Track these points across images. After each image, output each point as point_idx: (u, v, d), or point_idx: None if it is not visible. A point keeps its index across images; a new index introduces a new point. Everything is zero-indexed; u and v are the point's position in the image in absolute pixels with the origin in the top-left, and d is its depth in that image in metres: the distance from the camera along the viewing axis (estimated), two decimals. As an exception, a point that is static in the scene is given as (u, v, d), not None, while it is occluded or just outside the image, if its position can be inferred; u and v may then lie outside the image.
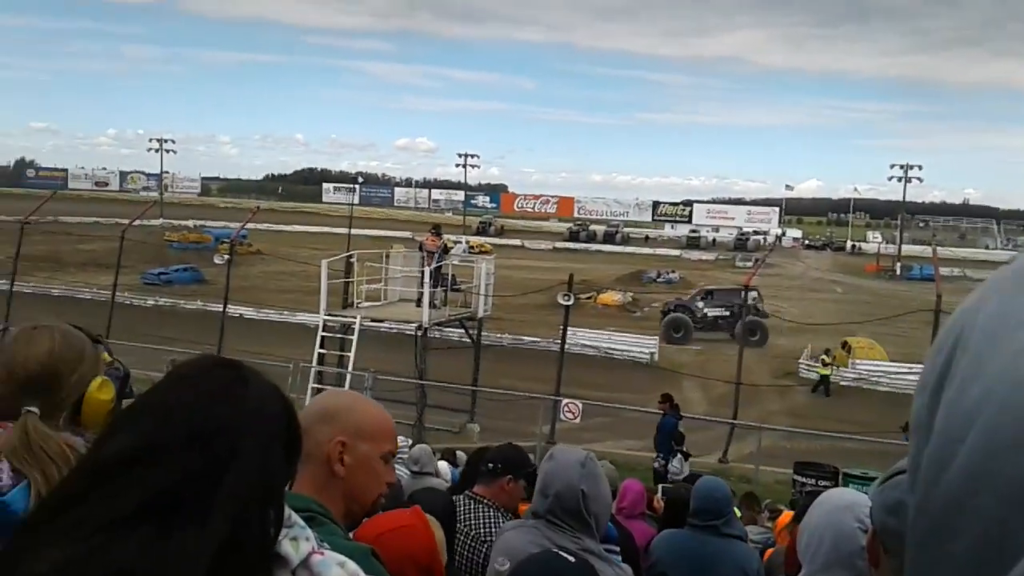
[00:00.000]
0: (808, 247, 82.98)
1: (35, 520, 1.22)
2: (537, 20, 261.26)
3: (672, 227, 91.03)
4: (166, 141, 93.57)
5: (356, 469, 1.80)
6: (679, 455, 13.42)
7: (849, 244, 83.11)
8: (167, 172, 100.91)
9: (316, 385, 16.11)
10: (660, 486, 6.03)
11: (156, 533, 1.12)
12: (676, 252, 71.40)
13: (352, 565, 1.35)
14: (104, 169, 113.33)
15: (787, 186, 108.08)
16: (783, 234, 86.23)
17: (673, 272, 52.81)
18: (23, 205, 29.62)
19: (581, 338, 24.64)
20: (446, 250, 18.63)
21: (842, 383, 24.83)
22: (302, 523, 1.36)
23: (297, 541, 1.31)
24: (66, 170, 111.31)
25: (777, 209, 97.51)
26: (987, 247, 78.53)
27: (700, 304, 32.02)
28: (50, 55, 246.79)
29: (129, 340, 19.11)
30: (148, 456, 1.17)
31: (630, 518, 5.63)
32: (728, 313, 30.30)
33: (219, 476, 1.18)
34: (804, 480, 12.26)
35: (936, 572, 0.40)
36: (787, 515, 6.84)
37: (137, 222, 23.98)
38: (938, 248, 28.27)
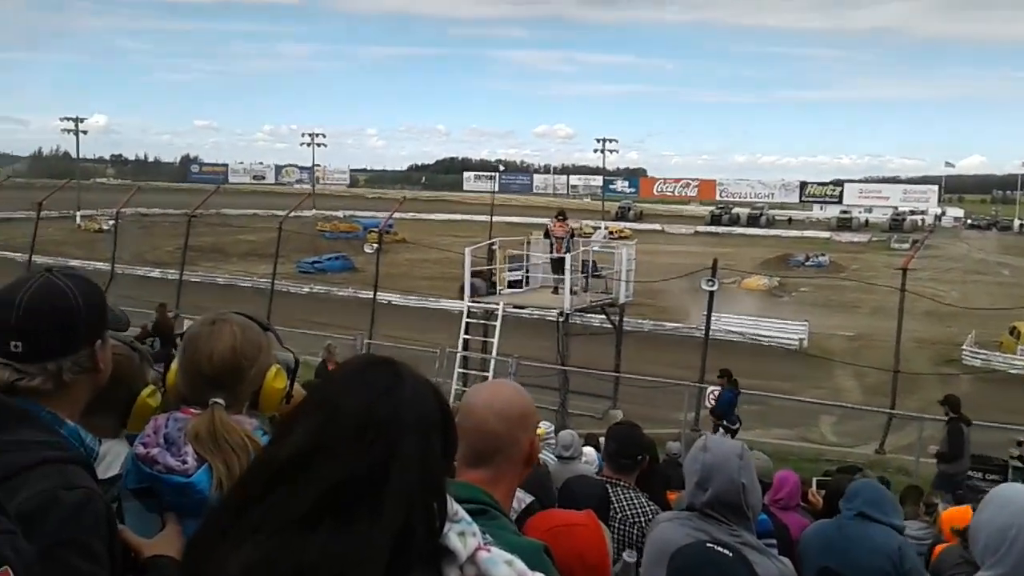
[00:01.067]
0: (971, 227, 77.90)
1: (219, 519, 1.29)
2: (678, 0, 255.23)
3: (821, 208, 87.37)
4: (317, 135, 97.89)
5: (535, 458, 1.87)
6: (720, 429, 13.65)
7: (1017, 223, 77.49)
8: (318, 165, 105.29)
9: (462, 370, 16.50)
10: (815, 479, 5.83)
11: (335, 529, 1.19)
12: (826, 234, 68.56)
13: (520, 564, 1.35)
14: (261, 163, 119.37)
15: (947, 163, 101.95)
16: (943, 214, 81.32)
17: (823, 255, 50.82)
18: (189, 199, 31.65)
19: (726, 324, 24.10)
20: (573, 235, 18.54)
21: (1011, 371, 23.27)
22: (468, 518, 1.39)
23: (464, 536, 1.34)
24: (226, 165, 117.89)
25: (936, 187, 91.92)
26: None
27: None
28: (212, 56, 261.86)
29: (287, 326, 20.14)
30: (319, 455, 1.23)
31: (785, 510, 5.48)
32: None
33: (386, 470, 1.23)
34: (970, 474, 11.55)
35: None
36: (955, 511, 6.46)
37: (292, 214, 25.17)
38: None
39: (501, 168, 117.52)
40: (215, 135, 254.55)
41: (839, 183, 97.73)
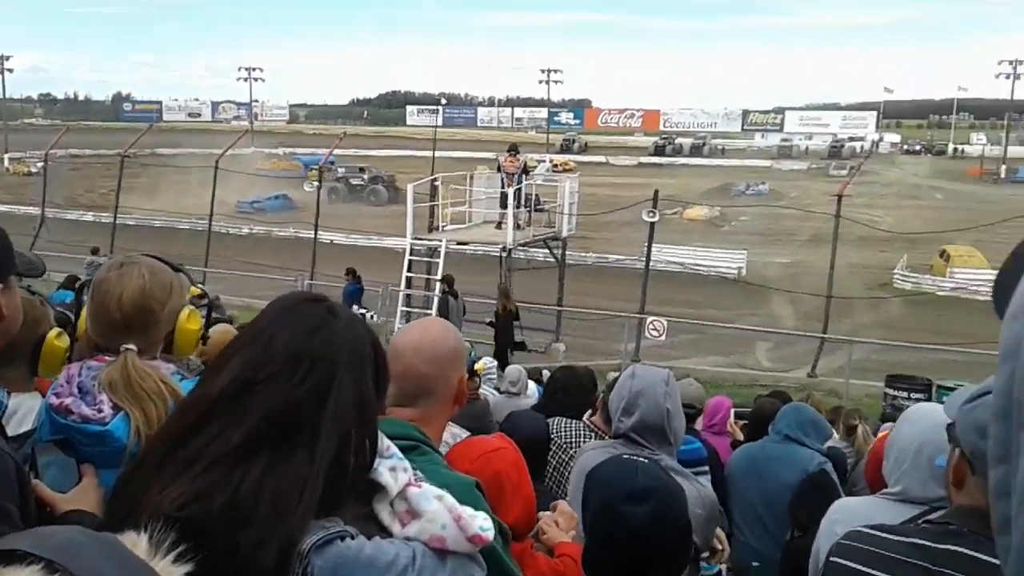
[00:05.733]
0: (907, 152, 79.15)
1: (152, 454, 1.30)
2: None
3: (763, 136, 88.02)
4: (254, 70, 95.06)
5: (465, 396, 1.92)
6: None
7: (951, 147, 79.00)
8: (256, 101, 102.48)
9: (405, 308, 16.49)
10: (732, 410, 6.07)
11: (272, 460, 1.21)
12: (767, 163, 69.19)
13: (450, 499, 1.37)
14: (196, 100, 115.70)
15: (886, 88, 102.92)
16: (880, 139, 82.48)
17: (763, 183, 51.43)
18: (122, 138, 30.63)
19: (666, 254, 24.39)
20: (526, 170, 18.45)
21: (939, 293, 24.08)
22: (399, 454, 1.41)
23: (395, 471, 1.36)
24: (160, 103, 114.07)
25: (874, 113, 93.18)
26: (1104, 145, 73.48)
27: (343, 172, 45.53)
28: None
29: (225, 268, 19.87)
30: (254, 384, 1.26)
31: (719, 435, 5.71)
32: (363, 182, 43.09)
33: (322, 402, 1.26)
34: (895, 393, 12.01)
35: None
36: (884, 431, 6.74)
37: (230, 152, 24.59)
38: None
39: (443, 102, 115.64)
40: (149, 71, 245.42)
41: (780, 111, 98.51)
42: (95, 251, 18.55)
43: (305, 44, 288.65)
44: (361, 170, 47.26)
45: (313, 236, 21.10)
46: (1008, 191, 47.17)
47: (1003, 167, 59.28)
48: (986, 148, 71.01)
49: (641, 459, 2.20)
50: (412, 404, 1.81)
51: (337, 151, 34.80)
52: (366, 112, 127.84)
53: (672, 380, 2.97)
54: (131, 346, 1.79)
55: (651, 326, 15.24)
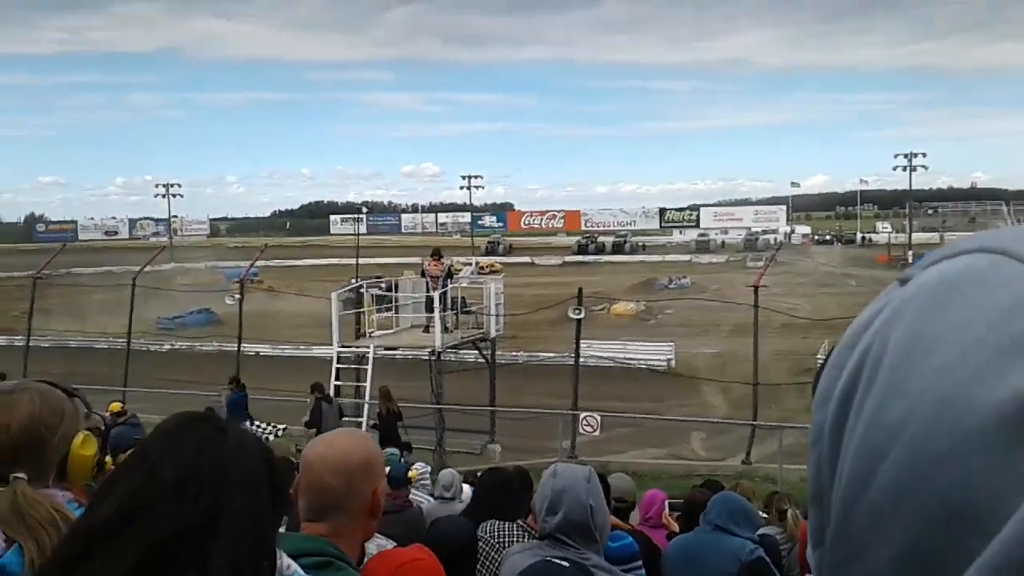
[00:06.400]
0: (818, 242, 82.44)
1: None
2: (540, 39, 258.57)
3: (680, 232, 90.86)
4: (173, 185, 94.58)
5: (381, 508, 1.87)
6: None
7: (859, 236, 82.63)
8: (175, 216, 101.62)
9: (335, 417, 16.15)
10: (667, 502, 6.04)
11: None
12: (686, 257, 71.24)
13: None
14: (113, 218, 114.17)
15: (792, 183, 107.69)
16: (792, 231, 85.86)
17: (684, 277, 52.77)
18: (35, 260, 29.86)
19: (596, 350, 24.61)
20: (450, 273, 18.59)
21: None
22: (301, 572, 1.37)
23: None
24: (75, 222, 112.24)
25: (784, 207, 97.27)
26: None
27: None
28: (56, 110, 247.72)
29: (146, 386, 19.26)
30: (141, 512, 1.19)
31: (656, 528, 5.65)
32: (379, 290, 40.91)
33: (212, 525, 1.20)
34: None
35: None
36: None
37: (148, 268, 24.16)
38: (948, 233, 28.17)
39: (366, 210, 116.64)
40: (62, 191, 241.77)
41: (695, 208, 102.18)
42: (1, 376, 17.81)
43: (224, 159, 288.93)
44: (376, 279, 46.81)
45: (237, 348, 20.69)
46: (916, 275, 49.15)
47: (910, 253, 62.06)
48: (892, 236, 74.45)
49: (564, 564, 2.15)
50: (323, 518, 1.77)
51: (261, 262, 34.55)
52: (288, 223, 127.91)
53: (594, 477, 2.96)
54: (20, 475, 1.73)
55: (585, 421, 15.23)
